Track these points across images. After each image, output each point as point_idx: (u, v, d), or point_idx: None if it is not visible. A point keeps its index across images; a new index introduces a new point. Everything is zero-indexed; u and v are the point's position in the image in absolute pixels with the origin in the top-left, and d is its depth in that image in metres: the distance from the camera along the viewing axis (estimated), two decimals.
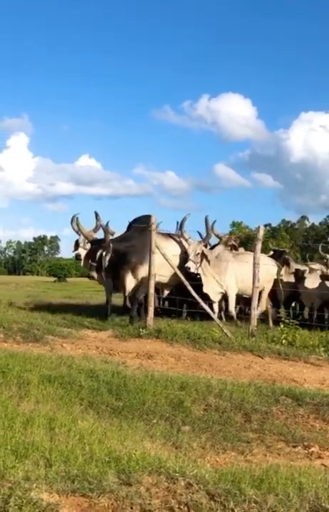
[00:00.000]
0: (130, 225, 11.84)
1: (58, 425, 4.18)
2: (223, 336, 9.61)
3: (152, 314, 10.22)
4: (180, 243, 11.94)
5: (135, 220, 11.80)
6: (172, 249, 11.52)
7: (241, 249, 14.00)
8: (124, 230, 12.14)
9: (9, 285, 34.58)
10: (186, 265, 11.25)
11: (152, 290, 10.26)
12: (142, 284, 11.04)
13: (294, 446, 5.19)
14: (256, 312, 10.54)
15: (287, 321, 11.30)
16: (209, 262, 11.79)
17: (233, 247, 13.24)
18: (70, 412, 4.79)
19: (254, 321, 10.37)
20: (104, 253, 11.09)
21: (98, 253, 11.29)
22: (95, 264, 11.55)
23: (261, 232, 10.70)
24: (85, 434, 4.03)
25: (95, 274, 12.26)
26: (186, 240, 11.75)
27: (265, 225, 24.57)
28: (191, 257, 11.29)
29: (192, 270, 11.25)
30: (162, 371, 7.40)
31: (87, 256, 12.14)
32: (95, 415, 5.08)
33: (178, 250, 11.77)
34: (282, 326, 10.93)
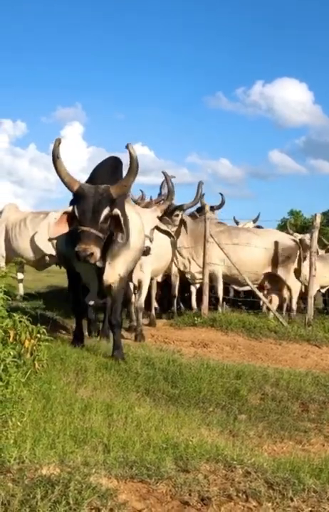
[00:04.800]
0: None
1: (116, 411, 4.21)
2: (278, 325, 9.52)
3: (207, 303, 10.18)
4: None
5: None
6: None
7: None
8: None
9: None
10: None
11: (206, 279, 10.17)
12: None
13: None
14: (312, 301, 10.38)
15: None
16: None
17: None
18: (127, 398, 4.83)
19: (311, 310, 10.23)
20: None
21: None
22: None
23: (318, 220, 10.51)
24: (142, 421, 4.05)
25: None
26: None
27: (324, 213, 24.09)
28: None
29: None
30: (218, 360, 7.38)
31: None
32: (152, 402, 5.10)
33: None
34: None
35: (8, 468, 2.83)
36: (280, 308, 10.89)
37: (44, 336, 4.63)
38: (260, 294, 10.53)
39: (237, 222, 12.37)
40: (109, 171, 6.13)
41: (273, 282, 10.95)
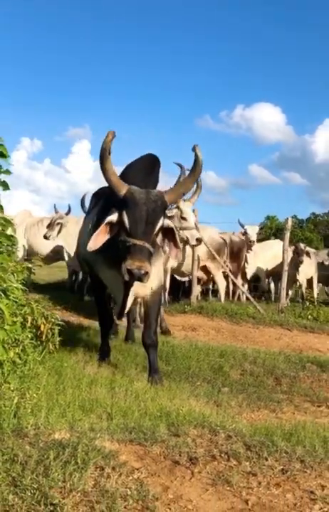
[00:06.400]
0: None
1: (118, 385, 4.21)
2: (256, 312, 9.53)
3: (196, 293, 10.17)
4: None
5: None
6: None
7: None
8: None
9: None
10: None
11: (194, 272, 10.15)
12: None
13: (319, 406, 5.13)
14: (284, 292, 10.39)
15: (311, 299, 11.18)
16: None
17: None
18: (127, 374, 4.82)
19: (283, 300, 10.25)
20: None
21: None
22: None
23: (289, 223, 10.51)
24: (140, 393, 4.05)
25: None
26: None
27: (293, 217, 24.16)
28: None
29: None
30: (205, 341, 7.38)
31: None
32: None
33: None
34: (308, 303, 10.82)
35: (25, 433, 2.83)
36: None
37: (57, 321, 4.62)
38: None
39: (242, 226, 11.94)
40: (145, 172, 4.46)
41: (208, 274, 10.67)
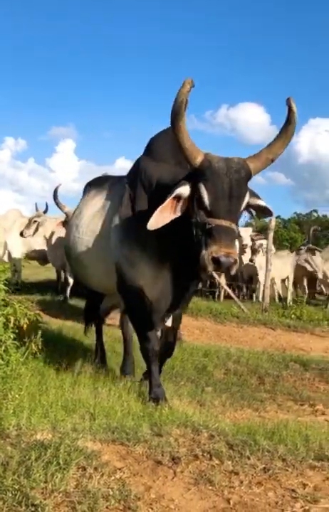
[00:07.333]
0: None
1: (101, 385, 4.20)
2: (240, 311, 9.56)
3: None
4: None
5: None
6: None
7: None
8: None
9: None
10: None
11: None
12: None
13: (301, 405, 5.17)
14: (267, 291, 10.44)
15: (295, 298, 11.27)
16: None
17: None
18: (111, 374, 4.81)
19: (267, 299, 10.30)
20: None
21: None
22: None
23: (273, 223, 10.58)
24: (123, 393, 4.04)
25: None
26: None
27: (277, 217, 24.30)
28: None
29: None
30: (189, 341, 7.39)
31: None
32: (132, 377, 5.09)
33: None
34: (291, 302, 10.90)
35: (7, 434, 2.82)
36: None
37: (40, 322, 4.59)
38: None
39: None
40: (173, 146, 3.53)
41: None
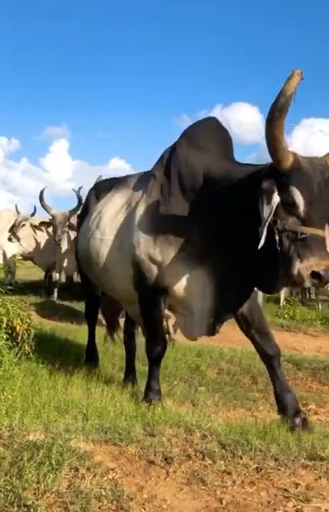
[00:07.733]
0: None
1: (94, 386, 4.20)
2: None
3: None
4: None
5: None
6: None
7: None
8: None
9: None
10: None
11: None
12: None
13: None
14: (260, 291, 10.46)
15: (288, 298, 11.30)
16: None
17: None
18: (104, 374, 4.81)
19: (260, 298, 10.32)
20: None
21: None
22: None
23: None
24: (116, 394, 4.04)
25: None
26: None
27: None
28: None
29: None
30: (182, 341, 7.38)
31: None
32: (125, 378, 5.09)
33: None
34: (284, 302, 10.93)
35: None
36: None
37: (33, 322, 4.59)
38: None
39: None
40: (218, 140, 3.50)
41: None
